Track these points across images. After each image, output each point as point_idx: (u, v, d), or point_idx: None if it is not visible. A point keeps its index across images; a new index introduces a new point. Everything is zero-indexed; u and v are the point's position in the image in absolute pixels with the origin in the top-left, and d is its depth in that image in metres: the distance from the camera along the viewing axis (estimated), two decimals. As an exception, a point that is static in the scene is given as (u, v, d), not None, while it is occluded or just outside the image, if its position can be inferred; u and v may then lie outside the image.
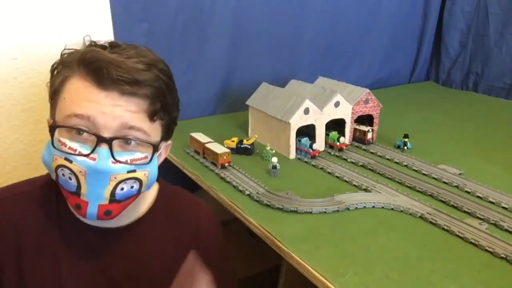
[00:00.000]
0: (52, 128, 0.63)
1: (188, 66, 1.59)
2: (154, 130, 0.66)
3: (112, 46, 0.66)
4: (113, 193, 0.63)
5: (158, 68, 0.65)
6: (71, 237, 0.71)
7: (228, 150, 1.20)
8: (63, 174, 0.63)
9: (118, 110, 0.61)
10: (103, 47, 0.65)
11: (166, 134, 0.71)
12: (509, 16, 1.97)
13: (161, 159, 0.74)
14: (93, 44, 0.66)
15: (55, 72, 0.66)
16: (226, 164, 1.19)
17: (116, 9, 1.31)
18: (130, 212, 0.73)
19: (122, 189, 0.64)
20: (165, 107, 0.66)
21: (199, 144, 1.27)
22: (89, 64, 0.61)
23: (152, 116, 0.64)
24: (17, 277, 0.69)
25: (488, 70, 2.09)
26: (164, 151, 0.74)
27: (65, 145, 0.62)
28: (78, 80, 0.62)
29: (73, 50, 0.66)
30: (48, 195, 0.72)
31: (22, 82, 1.20)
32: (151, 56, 0.66)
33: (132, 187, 0.65)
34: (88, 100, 0.61)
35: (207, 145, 1.23)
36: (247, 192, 1.05)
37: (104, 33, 1.30)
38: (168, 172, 0.79)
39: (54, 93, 0.65)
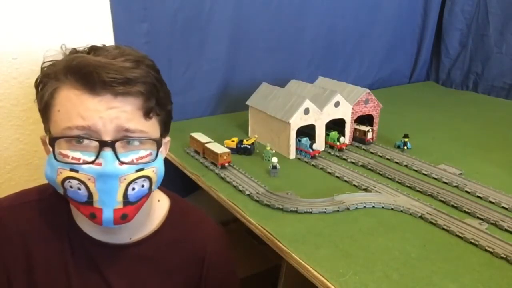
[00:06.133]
0: (52, 141, 0.61)
1: (188, 66, 1.59)
2: (151, 127, 0.65)
3: (94, 49, 0.64)
4: (125, 195, 0.62)
5: (145, 64, 0.63)
6: (79, 250, 0.71)
7: (228, 150, 1.20)
8: (71, 186, 0.61)
9: (114, 112, 0.60)
10: (84, 52, 0.64)
11: (164, 130, 0.70)
12: (509, 16, 1.98)
13: (162, 157, 0.73)
14: (74, 52, 0.65)
15: (40, 87, 0.64)
16: (226, 164, 1.19)
17: (116, 9, 1.30)
18: (139, 227, 0.73)
19: (133, 189, 0.63)
20: (159, 102, 0.65)
21: (199, 144, 1.27)
22: (77, 71, 0.60)
23: (147, 113, 0.63)
24: (27, 286, 0.69)
25: (488, 70, 2.09)
26: (164, 148, 0.73)
27: (68, 156, 0.61)
28: (68, 90, 0.61)
29: (54, 61, 0.64)
30: (59, 204, 0.71)
31: (22, 82, 1.20)
32: (135, 53, 0.64)
33: (143, 186, 0.64)
34: (85, 109, 0.59)
35: (207, 145, 1.23)
36: (247, 192, 1.05)
37: (104, 33, 1.30)
38: (168, 172, 0.79)
39: (45, 106, 0.63)
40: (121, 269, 0.72)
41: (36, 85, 0.65)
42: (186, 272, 0.77)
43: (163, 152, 0.73)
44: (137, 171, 0.63)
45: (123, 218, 0.63)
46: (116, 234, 0.71)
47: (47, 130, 0.65)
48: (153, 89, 0.63)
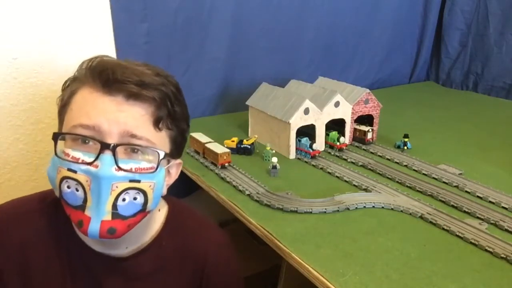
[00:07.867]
0: (55, 137, 0.61)
1: (188, 66, 1.59)
2: (159, 139, 0.63)
3: (125, 59, 0.66)
4: (114, 205, 0.59)
5: (166, 78, 0.64)
6: (78, 263, 0.70)
7: (228, 150, 1.20)
8: (68, 187, 0.60)
9: (122, 116, 0.59)
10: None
11: (175, 149, 0.68)
12: (509, 16, 1.98)
13: (171, 180, 0.71)
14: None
15: (63, 88, 0.65)
16: (226, 164, 1.19)
17: (116, 9, 1.31)
18: (137, 237, 0.71)
19: (124, 200, 0.60)
20: (172, 116, 0.64)
21: (199, 144, 1.27)
22: (95, 68, 0.61)
23: (157, 121, 0.62)
24: None
25: (488, 70, 2.09)
26: (175, 171, 0.71)
27: (68, 155, 0.60)
28: (85, 89, 0.61)
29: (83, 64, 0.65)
30: (59, 212, 0.68)
31: (22, 82, 1.20)
32: (161, 71, 0.65)
33: (135, 198, 0.61)
34: (94, 107, 0.59)
35: (207, 145, 1.23)
36: (247, 192, 1.05)
37: (104, 33, 1.30)
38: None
39: (63, 107, 0.64)
40: (119, 281, 0.71)
41: (63, 87, 0.65)
42: (186, 282, 0.76)
43: (173, 175, 0.71)
44: (131, 181, 0.60)
45: (110, 232, 0.60)
46: (113, 243, 0.68)
47: (60, 129, 0.65)
48: (166, 99, 0.63)
